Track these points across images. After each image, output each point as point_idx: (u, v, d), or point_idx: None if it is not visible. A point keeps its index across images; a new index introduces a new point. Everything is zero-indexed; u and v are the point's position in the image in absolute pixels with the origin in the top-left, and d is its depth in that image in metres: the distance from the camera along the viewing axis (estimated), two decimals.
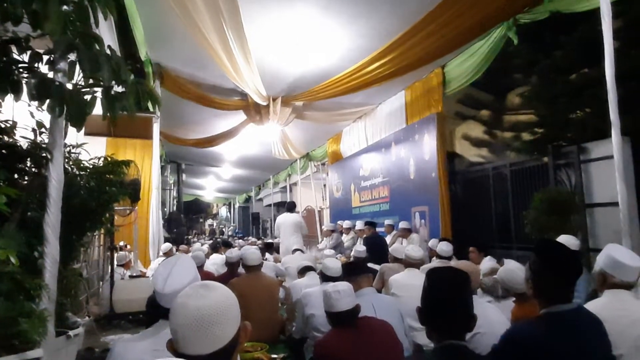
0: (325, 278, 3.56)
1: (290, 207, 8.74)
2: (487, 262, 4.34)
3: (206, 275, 5.03)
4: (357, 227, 8.42)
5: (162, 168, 11.42)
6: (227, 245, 8.98)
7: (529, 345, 1.58)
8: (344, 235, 9.09)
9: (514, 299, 2.89)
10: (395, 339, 2.40)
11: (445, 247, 4.72)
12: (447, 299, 1.52)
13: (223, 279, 4.70)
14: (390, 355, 2.24)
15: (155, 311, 1.89)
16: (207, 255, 7.48)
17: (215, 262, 6.60)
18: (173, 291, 1.79)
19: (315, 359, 2.42)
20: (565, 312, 1.62)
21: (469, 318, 1.51)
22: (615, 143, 3.64)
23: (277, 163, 14.12)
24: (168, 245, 7.56)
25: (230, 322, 1.10)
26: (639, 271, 2.07)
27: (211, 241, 14.48)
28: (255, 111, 8.25)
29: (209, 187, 23.59)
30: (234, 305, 1.14)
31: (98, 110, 2.32)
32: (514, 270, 2.90)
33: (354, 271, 3.19)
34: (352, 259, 5.88)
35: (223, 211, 36.06)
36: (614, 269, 2.04)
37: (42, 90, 2.11)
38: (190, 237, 17.14)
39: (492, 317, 2.35)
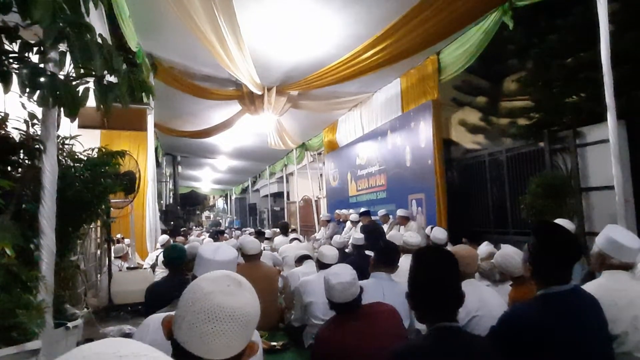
0: (321, 266, 3.58)
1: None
2: (485, 247, 4.35)
3: None
4: (351, 218, 8.45)
5: (158, 160, 11.38)
6: (221, 233, 9.15)
7: (527, 325, 1.59)
8: (348, 222, 9.07)
9: (511, 282, 2.92)
10: (399, 323, 2.34)
11: (439, 235, 4.72)
12: (436, 280, 1.51)
13: None
14: (392, 340, 2.22)
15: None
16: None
17: None
18: (223, 260, 1.94)
19: (316, 347, 2.40)
20: (562, 292, 1.63)
21: (459, 297, 1.51)
22: (610, 126, 3.64)
23: (273, 153, 14.07)
24: (165, 237, 7.56)
25: (249, 333, 0.95)
26: (638, 253, 2.08)
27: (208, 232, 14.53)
28: (250, 101, 8.20)
29: (205, 179, 23.53)
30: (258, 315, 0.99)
31: (91, 102, 2.29)
32: (510, 254, 2.92)
33: (385, 257, 3.11)
34: (349, 247, 5.91)
35: (220, 203, 36.03)
36: (614, 250, 2.05)
37: (34, 81, 2.08)
38: (187, 228, 17.15)
39: (490, 300, 2.36)
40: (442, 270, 1.52)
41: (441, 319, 1.47)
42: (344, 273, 2.33)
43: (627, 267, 2.07)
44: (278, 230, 9.44)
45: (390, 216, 7.60)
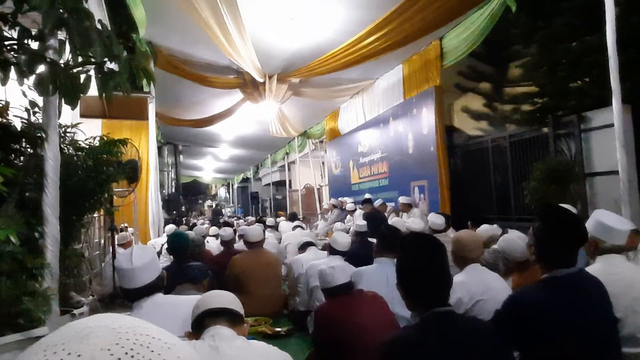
0: (332, 251, 3.59)
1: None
2: (484, 227, 4.22)
3: (206, 254, 5.06)
4: (348, 207, 8.44)
5: (159, 149, 11.37)
6: (228, 226, 9.19)
7: (532, 307, 1.58)
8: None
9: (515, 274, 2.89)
10: (387, 309, 2.48)
11: (436, 220, 4.72)
12: (423, 266, 1.51)
13: (222, 257, 4.73)
14: (383, 319, 2.37)
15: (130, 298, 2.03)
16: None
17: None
18: (143, 264, 1.95)
19: (315, 323, 2.57)
20: (567, 275, 1.62)
21: (448, 281, 1.51)
22: (615, 111, 3.61)
23: (274, 142, 14.04)
24: (172, 226, 7.62)
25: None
26: (627, 234, 2.08)
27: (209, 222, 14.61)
28: (252, 89, 8.15)
29: (207, 168, 23.51)
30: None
31: (92, 91, 2.27)
32: (514, 239, 2.90)
33: (387, 242, 3.11)
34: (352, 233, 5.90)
35: (222, 192, 36.08)
36: (605, 234, 2.05)
37: (32, 67, 2.06)
38: (190, 217, 17.22)
39: (494, 284, 2.36)
40: (427, 256, 1.52)
41: (433, 305, 1.46)
42: (335, 262, 2.68)
43: (620, 250, 2.07)
44: (281, 218, 9.48)
45: (388, 204, 7.59)
